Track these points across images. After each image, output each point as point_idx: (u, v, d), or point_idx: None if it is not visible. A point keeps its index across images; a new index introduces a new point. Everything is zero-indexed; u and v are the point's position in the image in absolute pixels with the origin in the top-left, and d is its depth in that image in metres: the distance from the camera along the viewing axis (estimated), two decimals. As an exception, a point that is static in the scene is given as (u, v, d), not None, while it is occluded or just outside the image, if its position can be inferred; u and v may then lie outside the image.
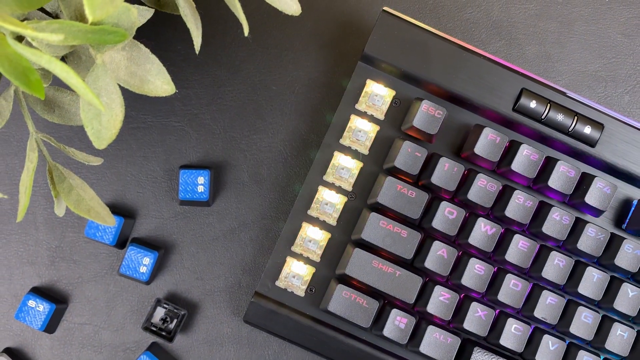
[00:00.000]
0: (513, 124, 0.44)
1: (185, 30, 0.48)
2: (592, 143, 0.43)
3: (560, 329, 0.43)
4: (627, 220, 0.44)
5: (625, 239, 0.43)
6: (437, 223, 0.43)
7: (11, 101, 0.35)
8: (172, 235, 0.48)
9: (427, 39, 0.43)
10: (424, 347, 0.42)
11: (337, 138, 0.44)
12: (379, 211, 0.43)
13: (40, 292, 0.47)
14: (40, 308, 0.46)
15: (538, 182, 0.44)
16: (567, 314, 0.43)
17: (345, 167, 0.44)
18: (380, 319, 0.43)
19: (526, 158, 0.43)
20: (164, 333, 0.46)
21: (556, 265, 0.43)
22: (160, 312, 0.46)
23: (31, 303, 0.46)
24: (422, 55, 0.43)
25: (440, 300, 0.43)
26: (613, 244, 0.43)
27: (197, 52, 0.35)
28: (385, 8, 0.44)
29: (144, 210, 0.48)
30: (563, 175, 0.43)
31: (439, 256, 0.43)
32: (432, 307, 0.43)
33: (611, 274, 0.44)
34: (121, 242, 0.47)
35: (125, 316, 0.47)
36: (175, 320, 0.46)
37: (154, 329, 0.46)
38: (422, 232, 0.44)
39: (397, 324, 0.42)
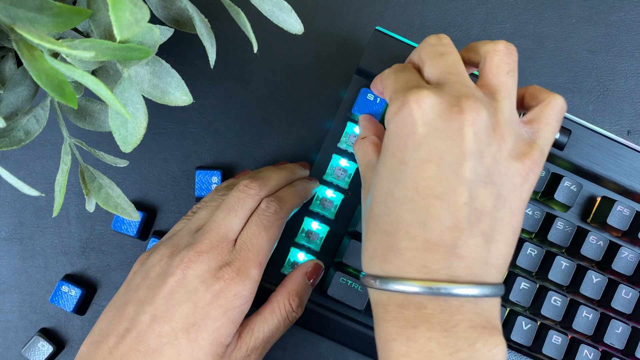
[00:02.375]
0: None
1: (202, 48, 0.48)
2: (560, 147, 0.43)
3: (532, 311, 0.43)
4: (592, 215, 0.44)
5: (590, 231, 0.43)
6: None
7: (48, 110, 0.35)
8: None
9: (415, 54, 0.43)
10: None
11: (335, 142, 0.44)
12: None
13: (72, 278, 0.47)
14: (72, 293, 0.46)
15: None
16: (539, 298, 0.43)
17: (342, 168, 0.44)
18: (373, 302, 0.43)
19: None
20: None
21: (529, 255, 0.43)
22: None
23: (64, 288, 0.46)
24: (411, 69, 0.43)
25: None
26: (579, 236, 0.43)
27: (212, 67, 0.35)
28: (377, 27, 0.44)
29: (165, 206, 0.48)
30: (535, 175, 0.43)
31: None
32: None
33: (577, 263, 0.44)
34: (144, 235, 0.47)
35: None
36: None
37: None
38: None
39: (389, 306, 0.42)
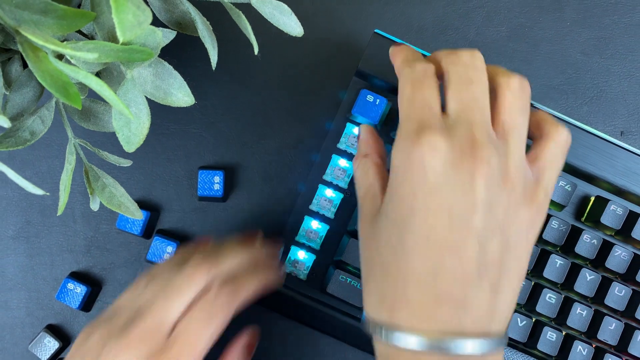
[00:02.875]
0: (487, 131, 0.44)
1: (204, 50, 0.47)
2: (555, 147, 0.43)
3: (528, 308, 0.43)
4: (586, 214, 0.44)
5: (584, 230, 0.43)
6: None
7: (52, 111, 0.35)
8: (191, 227, 0.48)
9: (412, 57, 0.43)
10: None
11: (334, 142, 0.44)
12: (371, 206, 0.43)
13: (77, 276, 0.47)
14: (78, 290, 0.46)
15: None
16: (534, 296, 0.43)
17: (341, 168, 0.44)
18: (372, 299, 0.43)
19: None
20: None
21: (524, 253, 0.43)
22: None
23: (70, 286, 0.46)
24: (409, 71, 0.43)
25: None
26: (574, 235, 0.43)
27: (213, 69, 0.34)
28: (376, 30, 0.44)
29: (168, 205, 0.48)
30: (530, 175, 0.43)
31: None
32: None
33: (572, 261, 0.44)
34: (148, 233, 0.47)
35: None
36: None
37: None
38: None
39: (387, 303, 0.42)
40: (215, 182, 0.46)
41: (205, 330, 0.33)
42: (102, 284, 0.47)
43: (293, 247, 0.44)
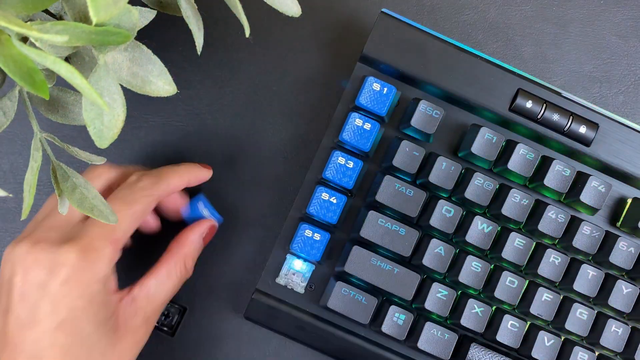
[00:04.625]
0: (509, 124, 0.44)
1: (187, 32, 0.48)
2: (587, 142, 0.43)
3: (556, 325, 0.43)
4: (622, 219, 0.44)
5: (620, 236, 0.43)
6: (435, 221, 0.43)
7: (16, 101, 0.35)
8: (174, 233, 0.48)
9: (425, 40, 0.43)
10: (422, 343, 0.42)
11: (336, 135, 0.44)
12: (377, 209, 0.43)
13: None
14: None
15: (534, 181, 0.44)
16: (562, 311, 0.43)
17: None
18: (378, 315, 0.43)
19: (522, 157, 0.43)
20: (165, 328, 0.46)
21: (552, 263, 0.43)
22: (162, 309, 0.46)
23: None
24: (420, 56, 0.43)
25: (438, 297, 0.43)
26: (608, 242, 0.43)
27: (198, 53, 0.35)
28: (383, 10, 0.44)
29: (147, 208, 0.48)
30: (559, 174, 0.43)
31: (436, 254, 0.43)
32: (429, 304, 0.43)
33: (606, 271, 0.44)
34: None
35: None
36: (176, 316, 0.46)
37: (156, 324, 0.46)
38: (419, 230, 0.44)
39: (396, 320, 0.43)
40: (201, 210, 0.45)
41: (124, 212, 0.38)
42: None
43: (289, 256, 0.44)
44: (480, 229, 0.43)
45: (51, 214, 0.39)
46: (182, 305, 0.46)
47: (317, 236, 0.43)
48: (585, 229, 0.43)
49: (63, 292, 0.35)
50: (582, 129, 0.43)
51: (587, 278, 0.43)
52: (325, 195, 0.43)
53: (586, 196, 0.43)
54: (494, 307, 0.44)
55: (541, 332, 0.43)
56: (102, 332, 0.37)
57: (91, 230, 0.37)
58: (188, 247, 0.42)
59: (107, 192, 0.41)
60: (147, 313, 0.39)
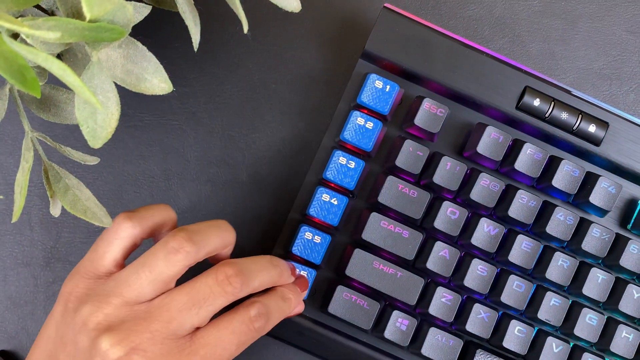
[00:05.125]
0: (516, 123, 0.44)
1: (184, 28, 0.48)
2: (596, 142, 0.44)
3: (565, 330, 0.43)
4: (633, 221, 0.44)
5: (631, 239, 0.43)
6: (439, 223, 0.43)
7: (6, 100, 0.35)
8: (169, 236, 0.48)
9: (429, 36, 0.44)
10: (426, 350, 0.42)
11: (337, 136, 0.44)
12: (380, 211, 0.43)
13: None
14: None
15: (542, 182, 0.44)
16: (571, 316, 0.43)
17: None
18: (381, 320, 0.43)
19: (530, 157, 0.43)
20: None
21: (560, 266, 0.43)
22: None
23: None
24: (424, 53, 0.44)
25: (442, 302, 0.43)
26: (618, 245, 0.43)
27: (195, 50, 0.35)
28: (386, 4, 0.44)
29: (141, 210, 0.48)
30: (567, 174, 0.43)
31: (440, 257, 0.43)
32: (434, 309, 0.43)
33: (616, 275, 0.44)
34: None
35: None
36: None
37: None
38: (423, 232, 0.44)
39: (399, 325, 0.43)
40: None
41: (232, 352, 0.36)
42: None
43: (288, 261, 0.44)
44: (486, 231, 0.43)
45: (161, 319, 0.35)
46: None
47: (317, 239, 0.43)
48: (594, 232, 0.43)
49: None
50: (592, 128, 0.43)
51: (597, 282, 0.43)
52: (325, 197, 0.43)
53: (596, 197, 0.43)
54: (500, 312, 0.44)
55: (549, 338, 0.43)
56: None
57: (202, 354, 0.35)
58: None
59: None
60: None
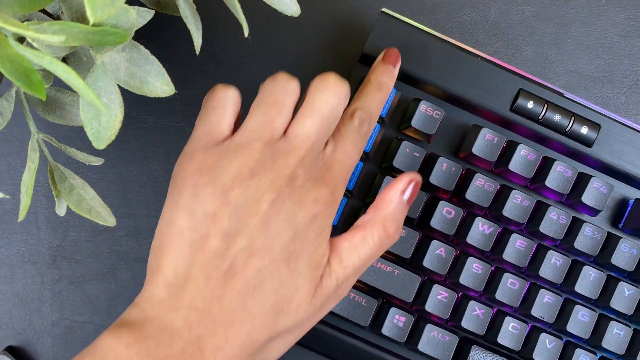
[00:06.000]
0: (510, 124, 0.44)
1: (186, 31, 0.48)
2: (588, 143, 0.43)
3: (557, 327, 0.43)
4: (624, 220, 0.44)
5: (622, 238, 0.43)
6: (436, 222, 0.43)
7: (13, 102, 0.35)
8: (172, 235, 0.48)
9: (425, 40, 0.43)
10: (423, 346, 0.42)
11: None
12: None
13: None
14: None
15: (535, 182, 0.44)
16: (564, 313, 0.43)
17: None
18: (379, 317, 0.43)
19: (523, 158, 0.43)
20: None
21: (553, 264, 0.43)
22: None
23: None
24: (421, 56, 0.43)
25: (439, 299, 0.43)
26: (610, 243, 0.43)
27: (197, 53, 0.35)
28: (383, 9, 0.44)
29: (145, 209, 0.48)
30: (560, 175, 0.43)
31: (437, 255, 0.43)
32: (430, 306, 0.43)
33: (608, 273, 0.44)
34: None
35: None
36: None
37: None
38: (420, 231, 0.44)
39: (396, 322, 0.42)
40: None
41: (355, 159, 0.37)
42: (69, 300, 0.47)
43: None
44: (481, 230, 0.43)
45: (298, 141, 0.35)
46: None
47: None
48: (586, 231, 0.43)
49: (306, 222, 0.34)
50: (584, 130, 0.43)
51: (589, 280, 0.43)
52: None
53: (588, 197, 0.43)
54: (494, 309, 0.44)
55: (543, 334, 0.43)
56: (310, 276, 0.34)
57: (337, 175, 0.36)
58: (386, 207, 0.37)
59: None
60: (339, 278, 0.35)
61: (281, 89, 0.36)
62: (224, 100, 0.36)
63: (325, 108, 0.35)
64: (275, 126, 0.35)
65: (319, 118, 0.35)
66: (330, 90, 0.36)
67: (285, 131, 0.35)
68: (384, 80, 0.40)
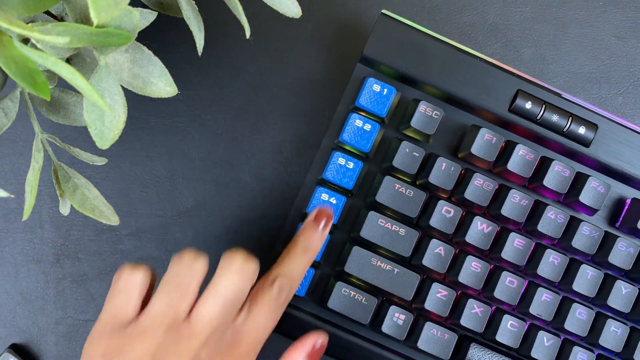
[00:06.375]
0: (509, 125, 0.44)
1: (188, 33, 0.48)
2: (586, 143, 0.43)
3: (555, 325, 0.43)
4: (621, 219, 0.44)
5: (619, 237, 0.43)
6: (435, 221, 0.43)
7: (17, 102, 0.35)
8: (175, 234, 0.48)
9: (425, 41, 0.43)
10: (422, 343, 0.42)
11: (336, 137, 0.44)
12: (377, 210, 0.43)
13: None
14: None
15: (533, 182, 0.44)
16: (562, 311, 0.43)
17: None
18: (379, 315, 0.43)
19: (522, 158, 0.43)
20: None
21: (551, 263, 0.43)
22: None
23: None
24: (420, 57, 0.43)
25: (438, 297, 0.43)
26: (607, 242, 0.43)
27: (199, 54, 0.35)
28: (383, 11, 0.44)
29: (148, 209, 0.48)
30: (558, 174, 0.43)
31: (436, 254, 0.43)
32: (429, 304, 0.43)
33: (605, 272, 0.44)
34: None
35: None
36: None
37: None
38: (419, 230, 0.44)
39: (396, 320, 0.43)
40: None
41: (269, 330, 0.37)
42: (72, 298, 0.47)
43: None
44: (480, 229, 0.43)
45: (205, 324, 0.35)
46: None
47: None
48: (584, 230, 0.43)
49: None
50: (582, 130, 0.43)
51: (587, 278, 0.43)
52: (325, 196, 0.43)
53: (585, 196, 0.43)
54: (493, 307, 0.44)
55: (541, 332, 0.43)
56: None
57: (245, 345, 0.36)
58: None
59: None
60: None
61: (186, 270, 0.35)
62: (130, 284, 0.36)
63: (228, 291, 0.35)
64: (179, 309, 0.35)
65: (221, 301, 0.35)
66: (234, 275, 0.35)
67: (191, 311, 0.35)
68: (310, 243, 0.40)
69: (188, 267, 0.35)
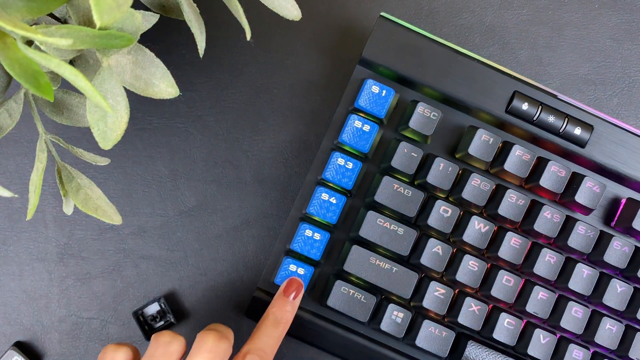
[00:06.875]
0: (506, 126, 0.44)
1: (190, 35, 0.48)
2: (582, 144, 0.43)
3: (551, 323, 0.43)
4: (616, 218, 0.44)
5: (614, 236, 0.43)
6: (433, 221, 0.43)
7: (21, 103, 0.35)
8: (176, 233, 0.48)
9: (423, 43, 0.43)
10: (420, 341, 0.42)
11: (335, 138, 0.44)
12: (376, 209, 0.43)
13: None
14: None
15: (530, 182, 0.44)
16: (557, 309, 0.43)
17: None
18: (377, 313, 0.43)
19: (518, 158, 0.43)
20: (146, 328, 0.46)
21: (547, 262, 0.43)
22: (154, 308, 0.46)
23: None
24: (418, 59, 0.43)
25: (436, 296, 0.43)
26: (602, 241, 0.43)
27: (201, 56, 0.35)
28: (382, 13, 0.44)
29: (150, 208, 0.48)
30: (554, 174, 0.43)
31: (434, 253, 0.43)
32: (427, 302, 0.43)
33: (600, 270, 0.44)
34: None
35: (132, 311, 0.47)
36: (162, 322, 0.46)
37: (141, 319, 0.46)
38: (418, 229, 0.44)
39: (394, 318, 0.43)
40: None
41: None
42: (76, 297, 0.47)
43: (287, 259, 0.44)
44: (477, 229, 0.43)
45: None
46: (171, 317, 0.46)
47: (317, 236, 0.43)
48: (580, 229, 0.43)
49: None
50: (577, 131, 0.43)
51: (582, 277, 0.43)
52: (325, 196, 0.43)
53: (581, 196, 0.43)
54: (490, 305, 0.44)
55: (537, 330, 0.43)
56: None
57: None
58: None
59: None
60: None
61: (162, 352, 0.36)
62: None
63: None
64: None
65: None
66: (206, 354, 0.36)
67: None
68: (281, 316, 0.40)
69: (164, 349, 0.36)
